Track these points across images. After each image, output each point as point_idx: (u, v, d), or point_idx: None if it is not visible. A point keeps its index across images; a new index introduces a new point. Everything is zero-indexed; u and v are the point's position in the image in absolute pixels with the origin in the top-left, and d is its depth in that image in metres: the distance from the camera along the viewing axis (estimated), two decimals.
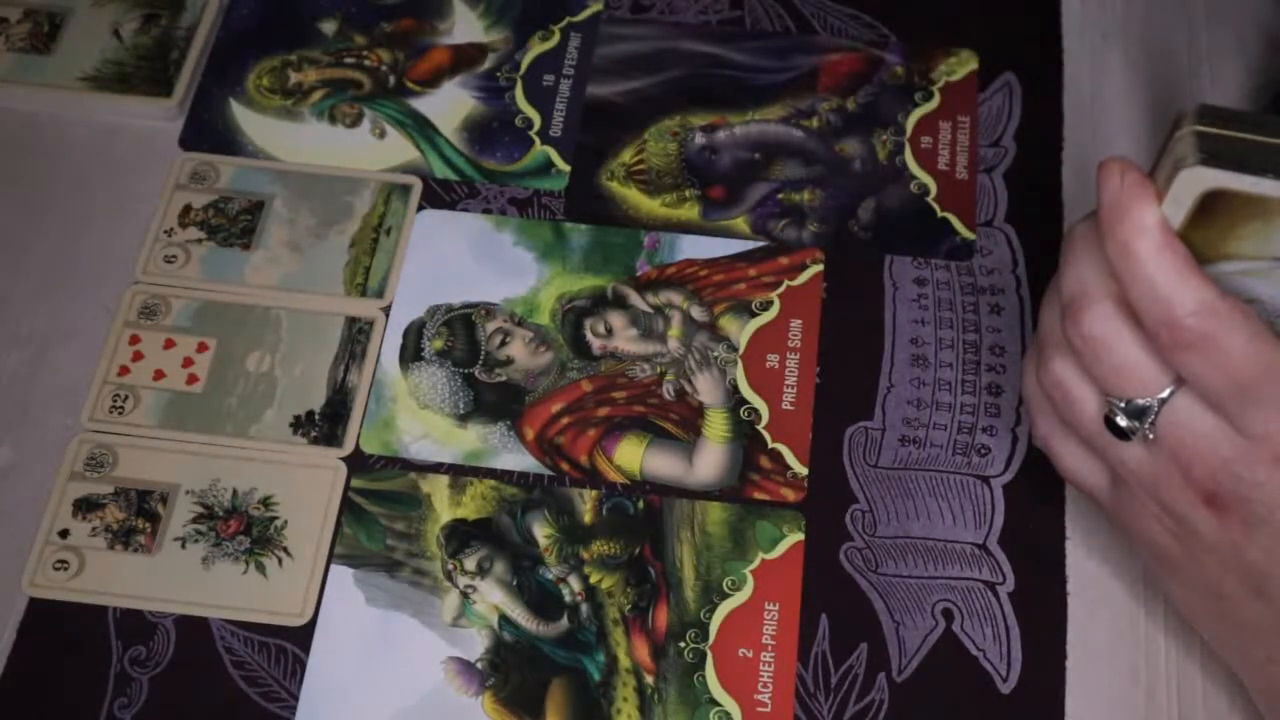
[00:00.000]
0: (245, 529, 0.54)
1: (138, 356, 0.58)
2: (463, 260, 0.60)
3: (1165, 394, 0.41)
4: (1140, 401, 0.41)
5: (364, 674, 0.51)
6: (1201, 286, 0.38)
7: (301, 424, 0.56)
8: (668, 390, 0.57)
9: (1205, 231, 0.39)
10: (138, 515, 0.54)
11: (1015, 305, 0.58)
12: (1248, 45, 0.65)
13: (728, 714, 0.50)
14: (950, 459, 0.55)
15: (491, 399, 0.57)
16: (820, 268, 0.59)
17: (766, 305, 0.59)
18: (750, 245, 0.60)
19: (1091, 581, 0.53)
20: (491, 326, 0.58)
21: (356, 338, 0.58)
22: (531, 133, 0.63)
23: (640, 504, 0.54)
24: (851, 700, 0.51)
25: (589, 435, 0.56)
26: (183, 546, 0.54)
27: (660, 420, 0.56)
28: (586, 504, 0.54)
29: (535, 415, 0.56)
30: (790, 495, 0.54)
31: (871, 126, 0.63)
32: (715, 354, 0.58)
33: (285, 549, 0.54)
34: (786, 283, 0.59)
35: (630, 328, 0.58)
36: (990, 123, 0.63)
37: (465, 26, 0.67)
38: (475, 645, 0.52)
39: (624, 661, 0.52)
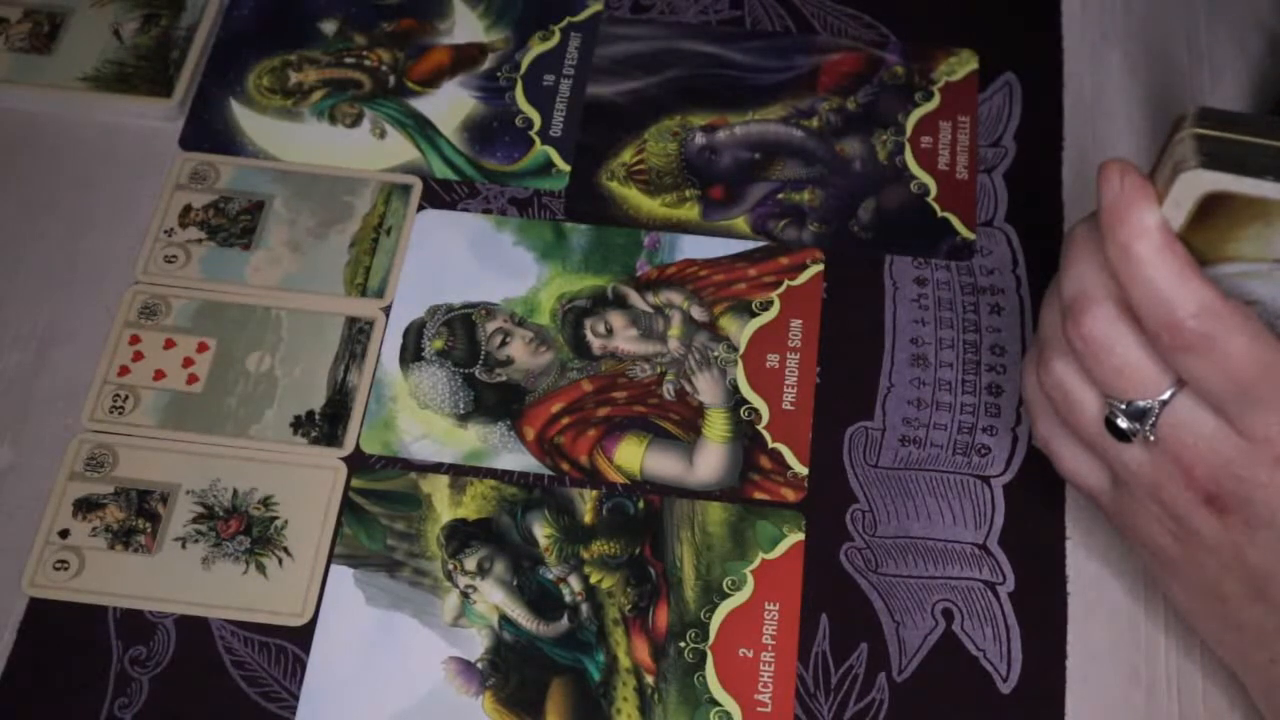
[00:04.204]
0: (245, 529, 0.54)
1: (138, 356, 0.58)
2: (463, 260, 0.60)
3: (1166, 395, 0.41)
4: (1141, 403, 0.41)
5: (364, 674, 0.51)
6: (1202, 288, 0.38)
7: (302, 424, 0.56)
8: (668, 390, 0.57)
9: (1205, 233, 0.39)
10: (138, 515, 0.54)
11: (1015, 305, 0.58)
12: (1248, 45, 0.65)
13: (728, 714, 0.50)
14: (950, 459, 0.55)
15: (492, 399, 0.57)
16: (820, 268, 0.60)
17: (766, 305, 0.59)
18: (750, 245, 0.60)
19: (1091, 581, 0.53)
20: (491, 326, 0.58)
21: (356, 338, 0.58)
22: (531, 133, 0.63)
23: (640, 504, 0.54)
24: (851, 700, 0.51)
25: (589, 435, 0.56)
26: (183, 546, 0.54)
27: (660, 420, 0.56)
28: (586, 504, 0.54)
29: (535, 415, 0.56)
30: (790, 495, 0.54)
31: (871, 126, 0.63)
32: (715, 354, 0.58)
33: (285, 549, 0.54)
34: (787, 283, 0.59)
35: (630, 328, 0.58)
36: (990, 123, 0.63)
37: (465, 26, 0.67)
38: (475, 645, 0.52)
39: (624, 661, 0.52)
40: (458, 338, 0.58)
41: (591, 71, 0.65)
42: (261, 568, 0.53)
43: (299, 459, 0.55)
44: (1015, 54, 0.65)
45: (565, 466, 0.55)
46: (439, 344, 0.58)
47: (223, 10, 0.67)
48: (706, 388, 0.57)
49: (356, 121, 0.64)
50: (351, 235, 0.61)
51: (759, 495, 0.54)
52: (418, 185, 0.62)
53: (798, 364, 0.57)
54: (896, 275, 0.59)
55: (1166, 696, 0.51)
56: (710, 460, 0.55)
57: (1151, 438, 0.42)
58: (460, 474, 0.55)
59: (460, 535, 0.54)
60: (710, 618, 0.52)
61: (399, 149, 0.63)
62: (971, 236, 0.60)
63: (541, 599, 0.53)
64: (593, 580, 0.53)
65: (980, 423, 0.56)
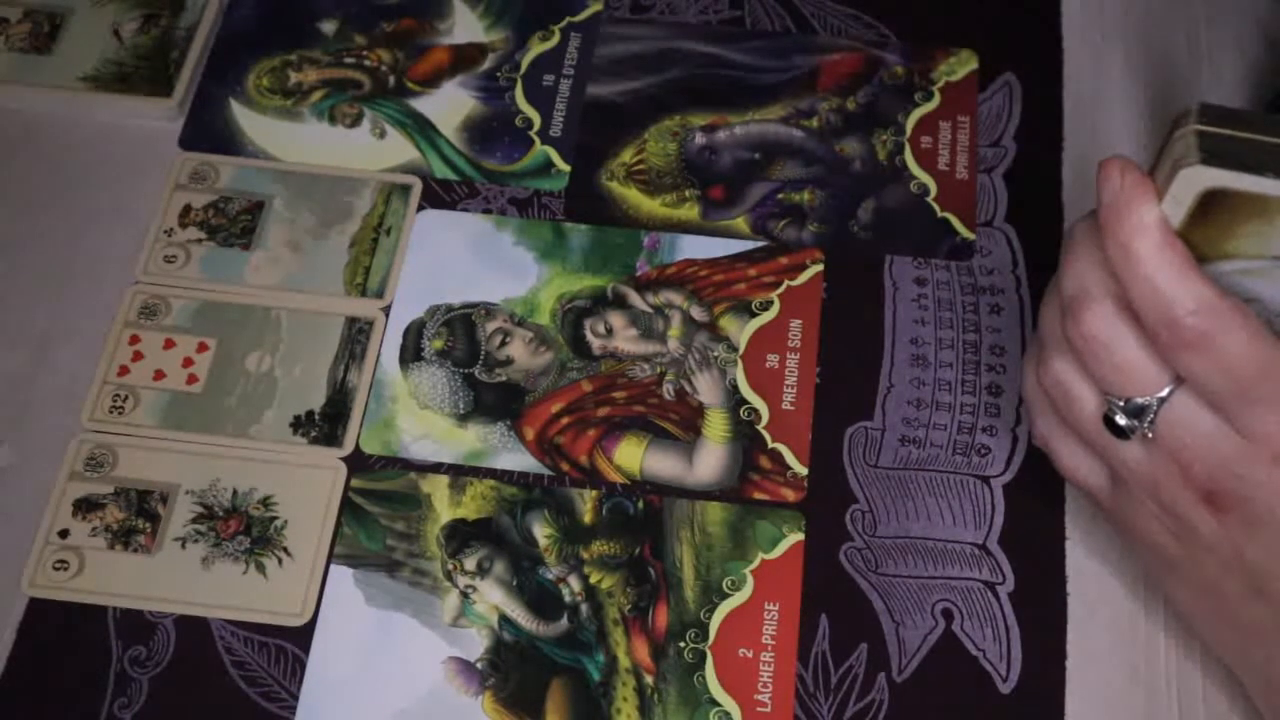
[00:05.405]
0: (245, 529, 0.54)
1: (138, 356, 0.58)
2: (463, 260, 0.60)
3: (1165, 393, 0.41)
4: (1140, 400, 0.41)
5: (364, 674, 0.51)
6: (1201, 286, 0.38)
7: (301, 424, 0.56)
8: (668, 390, 0.57)
9: (1205, 230, 0.39)
10: (138, 515, 0.54)
11: (1015, 305, 0.58)
12: (1247, 45, 0.65)
13: (728, 714, 0.50)
14: (950, 459, 0.55)
15: (491, 399, 0.57)
16: (820, 268, 0.59)
17: (766, 305, 0.59)
18: (750, 245, 0.60)
19: (1091, 581, 0.53)
20: (491, 326, 0.58)
21: (356, 338, 0.58)
22: (531, 133, 0.63)
23: (640, 504, 0.54)
24: (851, 700, 0.51)
25: (589, 435, 0.56)
26: (183, 546, 0.54)
27: (660, 420, 0.56)
28: (586, 504, 0.54)
29: (535, 415, 0.56)
30: (790, 495, 0.54)
31: (871, 126, 0.63)
32: (715, 354, 0.58)
33: (285, 549, 0.54)
34: (786, 283, 0.59)
35: (630, 328, 0.58)
36: (990, 123, 0.63)
37: (465, 26, 0.67)
38: (475, 645, 0.52)
39: (624, 661, 0.51)
40: (458, 338, 0.58)
41: (591, 71, 0.65)
42: (261, 568, 0.53)
43: (299, 459, 0.55)
44: (1015, 54, 0.65)
45: (565, 466, 0.55)
46: (439, 344, 0.58)
47: (223, 10, 0.67)
48: (706, 388, 0.57)
49: (356, 121, 0.64)
50: (351, 235, 0.61)
51: (759, 495, 0.54)
52: (418, 185, 0.62)
53: (798, 364, 0.57)
54: (896, 275, 0.59)
55: (1166, 696, 0.51)
56: (710, 460, 0.55)
57: (1150, 435, 0.42)
58: (460, 474, 0.55)
59: (460, 535, 0.54)
60: (710, 618, 0.52)
61: (399, 149, 0.63)
62: (971, 236, 0.60)
63: (541, 599, 0.53)
64: (592, 580, 0.53)
65: (980, 423, 0.56)
